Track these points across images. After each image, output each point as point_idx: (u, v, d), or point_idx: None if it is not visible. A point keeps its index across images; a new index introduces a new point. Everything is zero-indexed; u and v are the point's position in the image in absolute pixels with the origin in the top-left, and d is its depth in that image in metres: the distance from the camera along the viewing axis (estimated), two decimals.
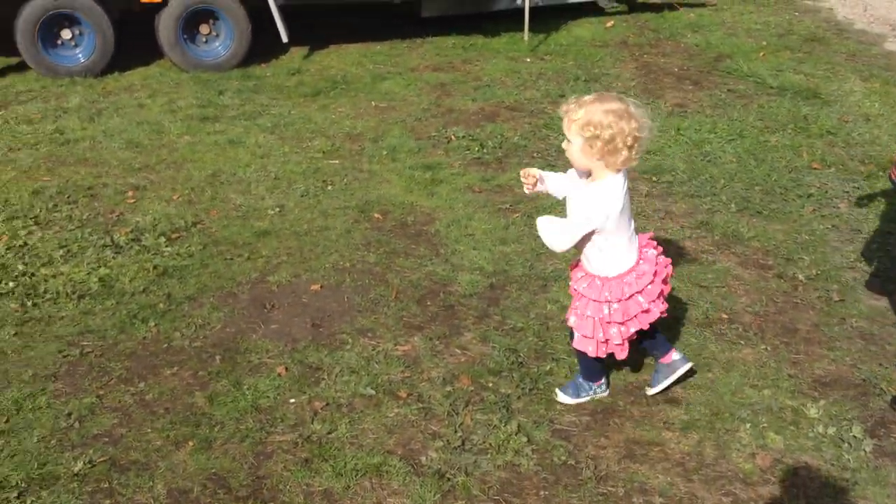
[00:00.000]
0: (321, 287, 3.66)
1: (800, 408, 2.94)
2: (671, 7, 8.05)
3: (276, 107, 5.81)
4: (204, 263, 3.84)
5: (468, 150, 5.18)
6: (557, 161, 5.02)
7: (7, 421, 2.83)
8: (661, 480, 2.62)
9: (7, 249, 3.91)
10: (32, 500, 2.50)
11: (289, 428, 2.81)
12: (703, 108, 5.80)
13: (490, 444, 2.73)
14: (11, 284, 3.62)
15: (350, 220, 4.27)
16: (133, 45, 6.41)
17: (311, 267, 3.82)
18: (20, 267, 3.76)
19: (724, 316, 3.48)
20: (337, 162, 4.99)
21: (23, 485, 2.55)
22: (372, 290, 3.64)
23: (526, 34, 6.99)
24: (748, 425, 2.85)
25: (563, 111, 2.58)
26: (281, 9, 6.42)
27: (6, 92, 5.81)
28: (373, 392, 2.99)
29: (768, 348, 3.27)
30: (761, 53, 6.91)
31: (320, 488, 2.57)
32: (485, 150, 5.16)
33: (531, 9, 7.01)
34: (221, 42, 6.51)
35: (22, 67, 6.11)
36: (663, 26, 7.66)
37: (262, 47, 6.61)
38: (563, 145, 2.63)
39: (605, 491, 2.58)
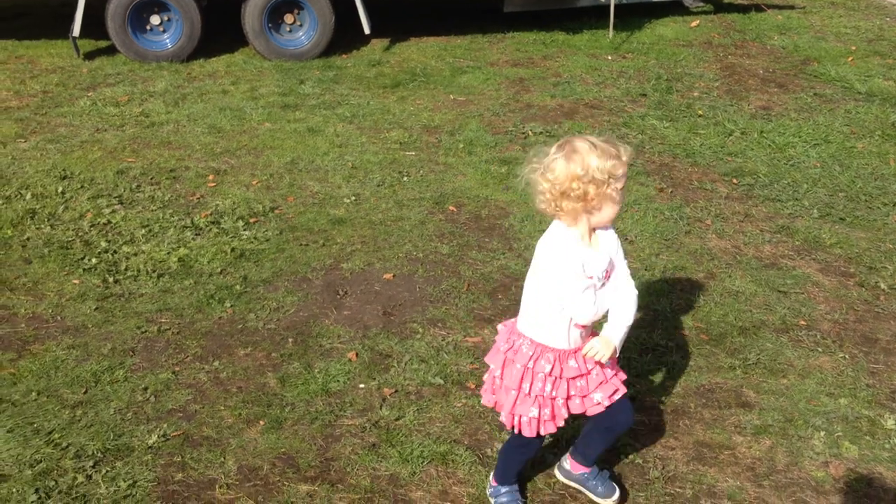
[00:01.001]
0: (393, 276, 3.68)
1: (877, 418, 2.86)
2: (758, 8, 7.89)
3: (355, 97, 5.86)
4: (280, 248, 3.90)
5: (545, 145, 5.13)
6: (636, 160, 4.97)
7: (86, 392, 2.91)
8: (731, 484, 2.57)
9: (91, 226, 4.03)
10: (107, 471, 2.57)
11: (357, 412, 2.84)
12: (787, 112, 5.66)
13: (557, 438, 2.72)
14: (94, 261, 3.73)
15: (425, 212, 4.28)
16: (218, 32, 6.52)
17: (385, 256, 3.84)
18: (103, 244, 3.87)
19: (803, 322, 3.40)
20: (413, 153, 5.01)
21: (98, 454, 2.63)
22: (444, 281, 3.65)
23: (610, 31, 6.92)
24: (822, 433, 2.78)
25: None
26: (364, 0, 6.46)
27: (95, 74, 5.98)
28: (441, 381, 3.00)
29: (846, 357, 3.19)
30: (850, 58, 6.72)
31: (387, 473, 2.59)
32: None
33: (615, 6, 6.93)
34: (305, 32, 6.58)
35: (111, 51, 6.28)
36: (749, 27, 7.50)
37: (343, 38, 6.67)
38: None
39: (672, 491, 2.55)
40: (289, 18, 6.55)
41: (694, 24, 7.56)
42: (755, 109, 5.72)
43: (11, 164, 4.65)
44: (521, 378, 2.26)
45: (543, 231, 4.08)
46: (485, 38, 7.14)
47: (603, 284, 2.21)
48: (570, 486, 2.57)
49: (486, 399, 2.36)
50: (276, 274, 3.69)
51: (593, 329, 2.31)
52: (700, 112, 5.66)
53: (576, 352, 2.26)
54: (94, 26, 6.08)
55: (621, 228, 4.22)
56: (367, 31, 6.52)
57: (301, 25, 6.59)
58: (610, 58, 6.75)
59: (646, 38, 7.17)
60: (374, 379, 3.00)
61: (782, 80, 6.31)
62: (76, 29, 5.98)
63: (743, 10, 7.86)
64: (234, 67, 6.30)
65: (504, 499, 2.45)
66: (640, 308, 2.59)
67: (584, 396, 2.28)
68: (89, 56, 6.21)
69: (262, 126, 5.33)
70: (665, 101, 5.91)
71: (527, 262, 3.86)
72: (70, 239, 3.91)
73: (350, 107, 5.68)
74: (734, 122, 5.45)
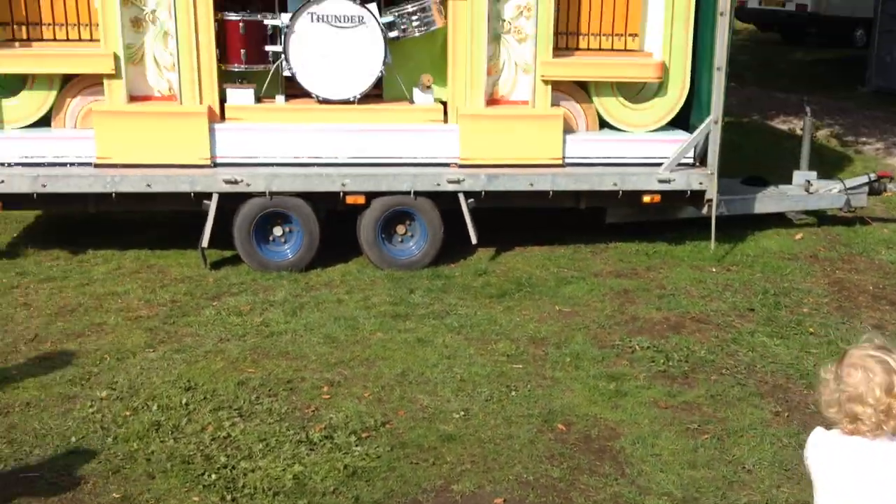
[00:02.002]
0: (504, 501, 3.67)
1: None
2: (862, 221, 7.90)
3: (462, 307, 6.02)
4: (391, 466, 3.95)
5: (653, 361, 5.17)
6: (747, 380, 4.93)
7: None
8: None
9: (212, 440, 4.17)
10: None
11: None
12: None
13: None
14: (214, 476, 3.84)
15: (534, 430, 4.30)
16: (334, 241, 6.86)
17: (495, 478, 3.85)
18: (223, 459, 4.00)
19: None
20: (521, 366, 5.08)
21: None
22: None
23: (712, 243, 7.01)
24: None
25: None
26: (472, 212, 6.74)
27: (221, 284, 6.32)
28: None
29: None
30: None
31: None
32: (670, 363, 5.13)
33: (717, 217, 7.05)
34: (415, 242, 6.86)
35: (236, 261, 6.65)
36: (855, 241, 7.50)
37: (451, 248, 6.92)
38: None
39: None
40: (400, 229, 6.85)
41: (798, 236, 7.60)
42: (868, 328, 5.64)
43: (140, 374, 4.89)
44: None
45: (657, 457, 4.02)
46: (588, 249, 7.30)
47: None
48: None
49: None
50: (387, 495, 3.72)
51: None
52: (811, 330, 5.61)
53: None
54: (221, 237, 6.48)
55: (737, 455, 4.15)
56: (474, 241, 6.76)
57: (412, 236, 6.88)
58: (714, 270, 6.81)
59: (750, 251, 7.24)
60: None
61: (894, 296, 6.24)
62: (205, 240, 6.37)
63: (847, 223, 7.88)
64: (348, 276, 6.58)
65: None
66: None
67: None
68: (215, 265, 6.59)
69: (374, 336, 5.51)
70: (774, 316, 5.89)
71: (641, 490, 3.81)
72: (192, 453, 4.05)
73: (458, 317, 5.83)
74: (847, 341, 5.38)
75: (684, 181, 6.84)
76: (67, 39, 6.40)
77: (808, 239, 7.59)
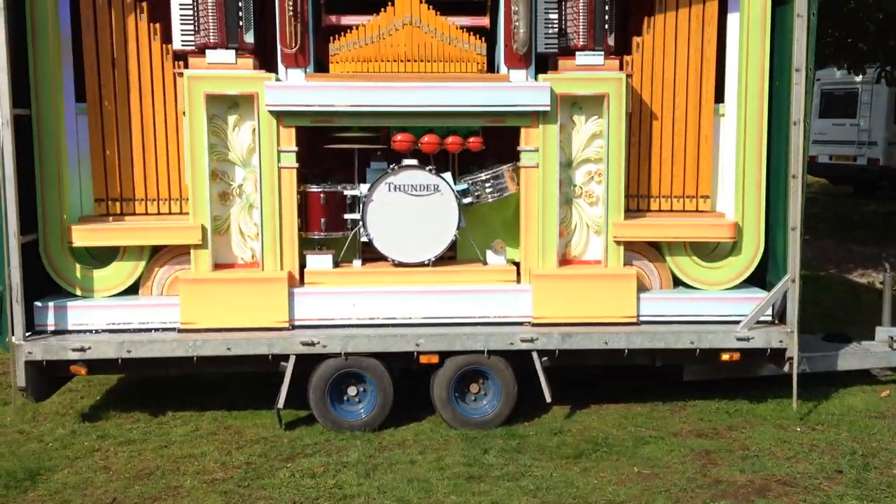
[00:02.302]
0: None
1: None
2: None
3: (538, 468, 5.92)
4: None
5: None
6: None
7: None
8: None
9: None
10: None
11: None
12: None
13: None
14: None
15: None
16: (407, 400, 6.87)
17: None
18: None
19: None
20: None
21: None
22: None
23: (794, 402, 6.82)
24: None
25: None
26: (546, 370, 6.72)
27: (295, 444, 6.35)
28: None
29: None
30: None
31: None
32: None
33: (799, 375, 6.89)
34: (489, 401, 6.84)
35: (310, 420, 6.70)
36: None
37: (525, 405, 6.87)
38: None
39: None
40: (474, 388, 6.85)
41: (884, 393, 7.37)
42: None
43: None
44: None
45: None
46: (666, 407, 7.17)
47: None
48: None
49: None
50: None
51: None
52: None
53: None
54: (296, 396, 6.57)
55: None
56: (548, 399, 6.71)
57: (485, 395, 6.87)
58: (799, 429, 6.60)
59: (834, 409, 7.02)
60: None
61: None
62: (281, 401, 6.47)
63: None
64: (421, 436, 6.56)
65: None
66: None
67: None
68: (290, 425, 6.65)
69: (448, 499, 5.43)
70: (863, 478, 5.65)
71: None
72: None
73: (533, 479, 5.73)
74: None
75: (763, 339, 6.75)
76: (158, 213, 6.77)
77: (894, 396, 7.34)
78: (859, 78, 16.57)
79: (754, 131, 6.86)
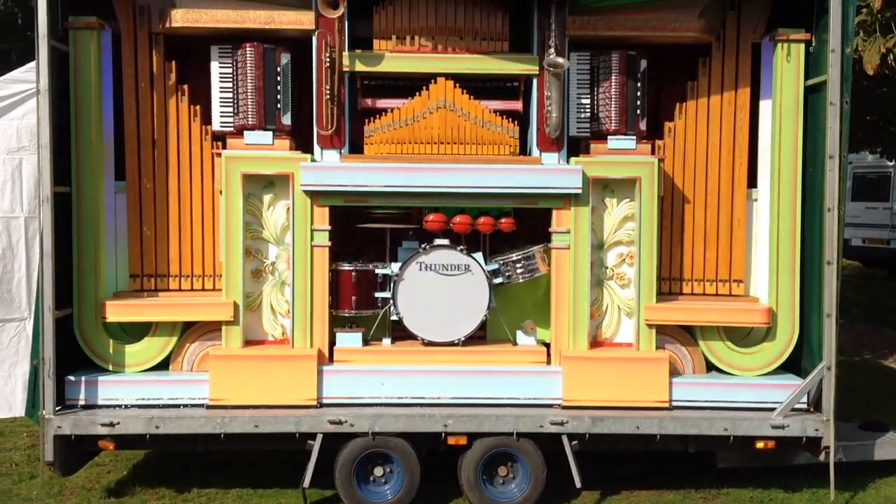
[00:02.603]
0: None
1: None
2: None
3: None
4: None
5: None
6: None
7: None
8: None
9: None
10: None
11: None
12: None
13: None
14: None
15: None
16: (434, 482, 6.77)
17: None
18: None
19: None
20: None
21: None
22: None
23: (832, 492, 6.65)
24: None
25: None
26: (576, 454, 6.61)
27: None
28: None
29: None
30: None
31: None
32: None
33: (835, 464, 6.73)
34: (517, 484, 6.74)
35: (335, 500, 6.61)
36: None
37: (555, 490, 6.75)
38: None
39: None
40: (502, 471, 6.76)
41: None
42: None
43: None
44: None
45: None
46: (699, 494, 7.03)
47: None
48: None
49: None
50: None
51: None
52: None
53: None
54: (322, 475, 6.50)
55: None
56: (578, 484, 6.60)
57: (514, 478, 6.77)
58: None
59: (871, 500, 6.84)
60: None
61: None
62: (307, 480, 6.40)
63: None
64: None
65: None
66: None
67: None
68: None
69: None
70: None
71: None
72: None
73: None
74: None
75: (799, 427, 6.62)
76: (192, 289, 6.84)
77: None
78: (892, 162, 16.53)
79: (788, 216, 6.84)
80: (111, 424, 6.40)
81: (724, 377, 6.97)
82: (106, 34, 6.66)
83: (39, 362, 6.33)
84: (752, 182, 7.04)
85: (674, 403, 6.78)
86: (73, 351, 6.65)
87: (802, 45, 6.78)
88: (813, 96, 6.78)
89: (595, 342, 6.94)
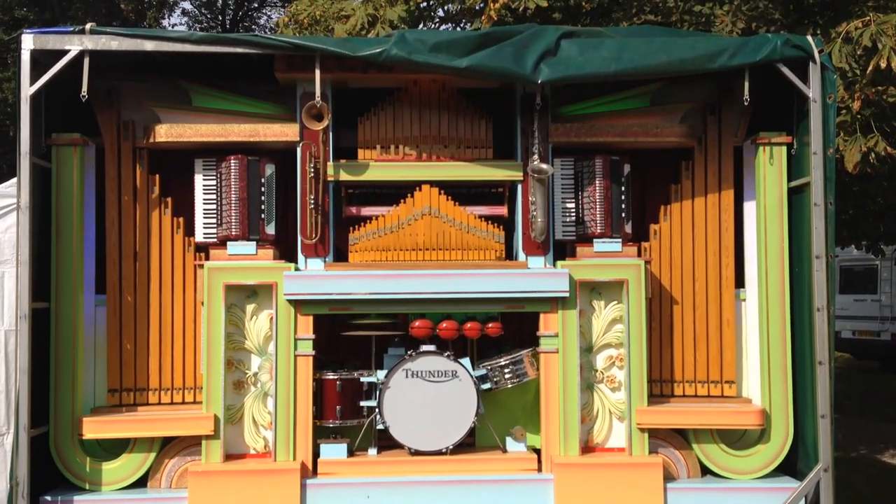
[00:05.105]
0: None
1: None
2: None
3: None
4: None
5: None
6: None
7: None
8: None
9: None
10: None
11: None
12: None
13: None
14: None
15: None
16: None
17: None
18: None
19: None
20: None
21: None
22: None
23: None
24: None
25: None
26: None
27: None
28: None
29: None
30: None
31: None
32: None
33: None
34: None
35: None
36: None
37: None
38: None
39: None
40: None
41: None
42: None
43: None
44: None
45: None
46: None
47: None
48: None
49: None
50: None
51: None
52: None
53: None
54: None
55: None
56: None
57: None
58: None
59: None
60: None
61: None
62: None
63: None
64: None
65: None
66: None
67: None
68: None
69: None
70: None
71: None
72: None
73: None
74: None
75: None
76: (171, 402, 6.68)
77: None
78: (877, 257, 16.65)
79: (777, 316, 6.78)
80: None
81: (720, 481, 6.78)
82: (89, 149, 6.67)
83: (14, 483, 6.12)
84: (739, 282, 7.01)
85: None
86: (50, 469, 6.43)
87: (784, 148, 6.84)
88: (797, 197, 6.80)
89: (587, 447, 6.77)
